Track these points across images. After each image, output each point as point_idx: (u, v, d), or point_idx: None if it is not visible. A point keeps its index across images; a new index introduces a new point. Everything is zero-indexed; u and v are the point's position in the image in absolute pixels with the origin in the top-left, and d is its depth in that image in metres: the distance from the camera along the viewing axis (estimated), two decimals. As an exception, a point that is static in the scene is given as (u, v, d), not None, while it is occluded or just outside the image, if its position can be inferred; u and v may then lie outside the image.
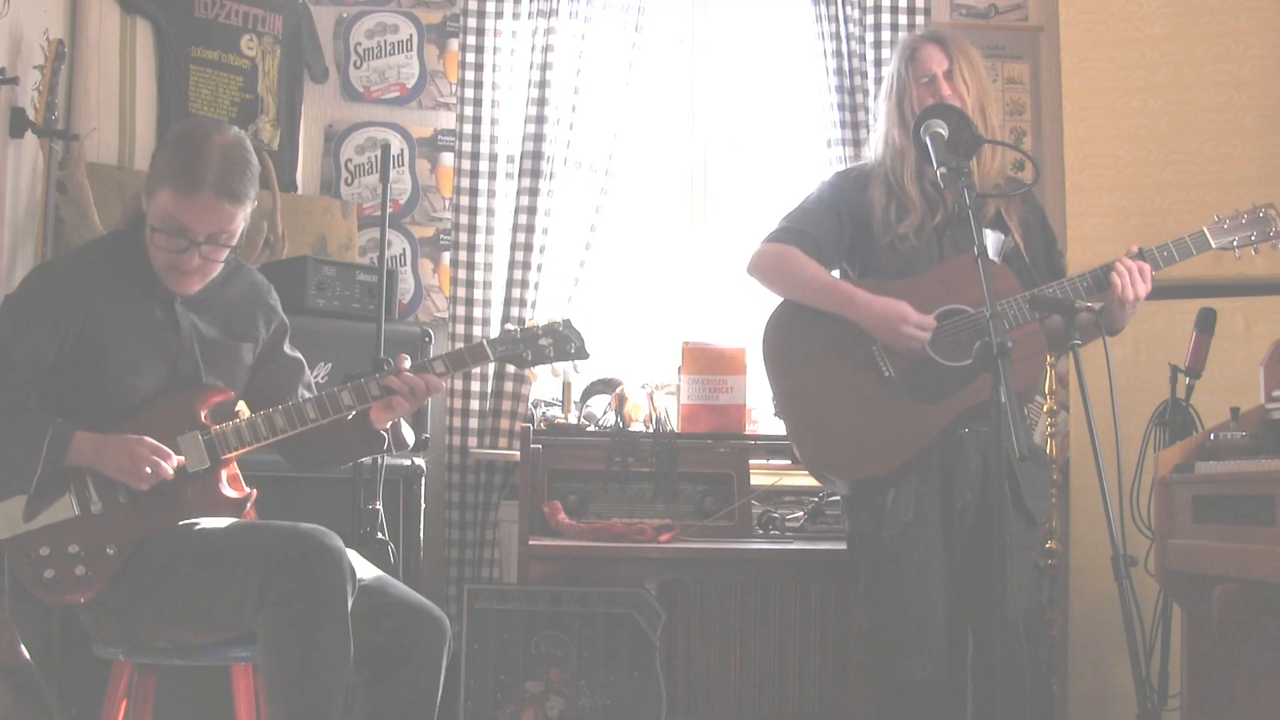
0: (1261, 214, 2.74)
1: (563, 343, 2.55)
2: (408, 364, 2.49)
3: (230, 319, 2.55)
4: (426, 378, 2.47)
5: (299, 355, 2.70)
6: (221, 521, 2.37)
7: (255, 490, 2.49)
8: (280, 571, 2.19)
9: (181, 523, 2.35)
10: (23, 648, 2.41)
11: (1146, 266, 2.67)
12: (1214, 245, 2.72)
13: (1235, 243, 2.73)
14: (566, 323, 2.57)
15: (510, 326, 2.67)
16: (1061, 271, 2.86)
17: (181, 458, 2.35)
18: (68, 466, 2.29)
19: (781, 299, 2.87)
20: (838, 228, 2.86)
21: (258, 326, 2.60)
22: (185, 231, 2.33)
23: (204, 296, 2.49)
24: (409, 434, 2.64)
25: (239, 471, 2.51)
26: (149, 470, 2.29)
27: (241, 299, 2.58)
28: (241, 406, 2.60)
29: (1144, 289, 2.65)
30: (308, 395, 2.60)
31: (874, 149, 2.93)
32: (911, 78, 2.81)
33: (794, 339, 2.82)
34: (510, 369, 3.82)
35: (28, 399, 2.33)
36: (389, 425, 2.54)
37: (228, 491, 2.43)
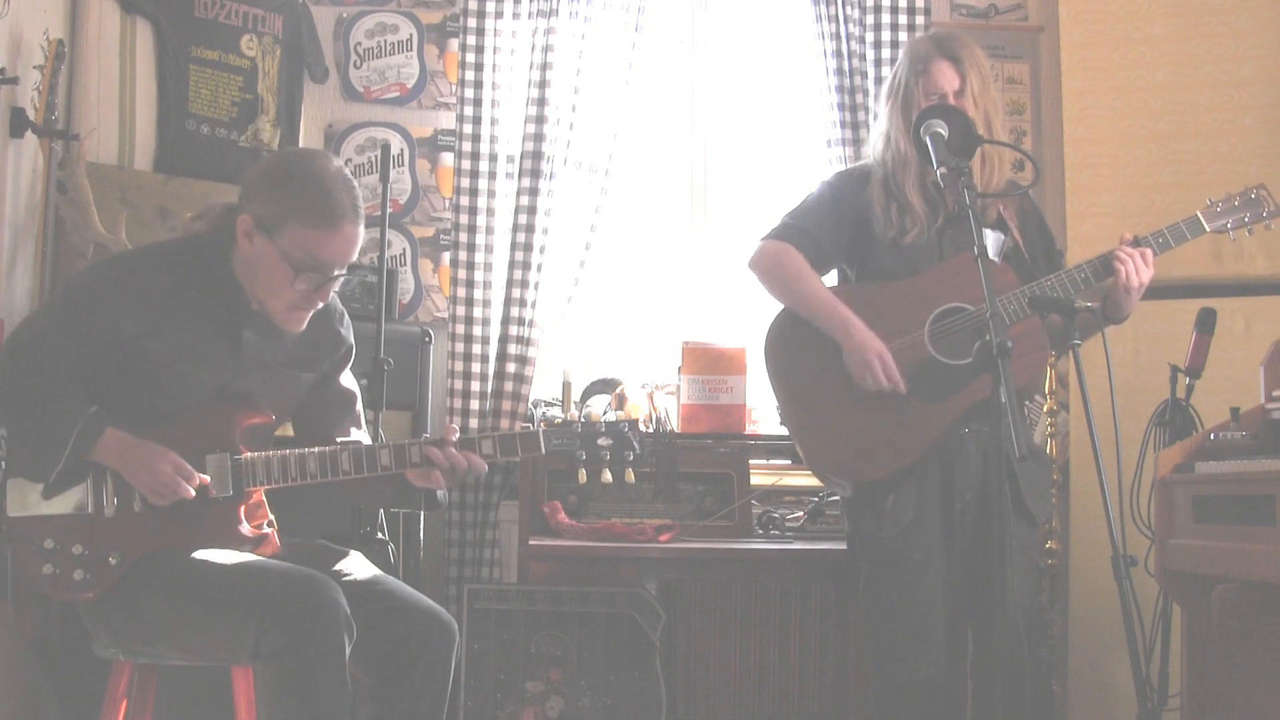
0: (1254, 195, 2.75)
1: (623, 446, 2.44)
2: (455, 438, 2.39)
3: (297, 346, 2.46)
4: (470, 458, 2.38)
5: (354, 388, 2.61)
6: (225, 556, 2.31)
7: (273, 531, 2.43)
8: (275, 625, 2.15)
9: (189, 550, 2.30)
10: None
11: (1148, 251, 2.67)
12: (1208, 229, 2.72)
13: (1229, 225, 2.73)
14: (632, 425, 2.47)
15: (571, 420, 2.52)
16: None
17: (206, 477, 2.30)
18: (92, 461, 2.26)
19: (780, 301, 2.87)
20: (837, 227, 2.86)
21: (323, 355, 2.52)
22: (327, 266, 2.29)
23: (272, 326, 2.39)
24: (443, 496, 2.51)
25: (264, 499, 2.45)
26: (170, 489, 2.25)
27: (313, 326, 2.46)
28: None
29: (1148, 274, 2.66)
30: (354, 431, 2.55)
31: (873, 148, 2.93)
32: (920, 92, 2.77)
33: (796, 345, 2.82)
34: (510, 369, 3.82)
35: (65, 386, 2.27)
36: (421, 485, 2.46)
37: (244, 528, 2.37)
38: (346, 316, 2.58)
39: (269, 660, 2.15)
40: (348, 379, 2.60)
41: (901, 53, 2.92)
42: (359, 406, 2.61)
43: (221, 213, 2.40)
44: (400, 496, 2.49)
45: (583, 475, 2.45)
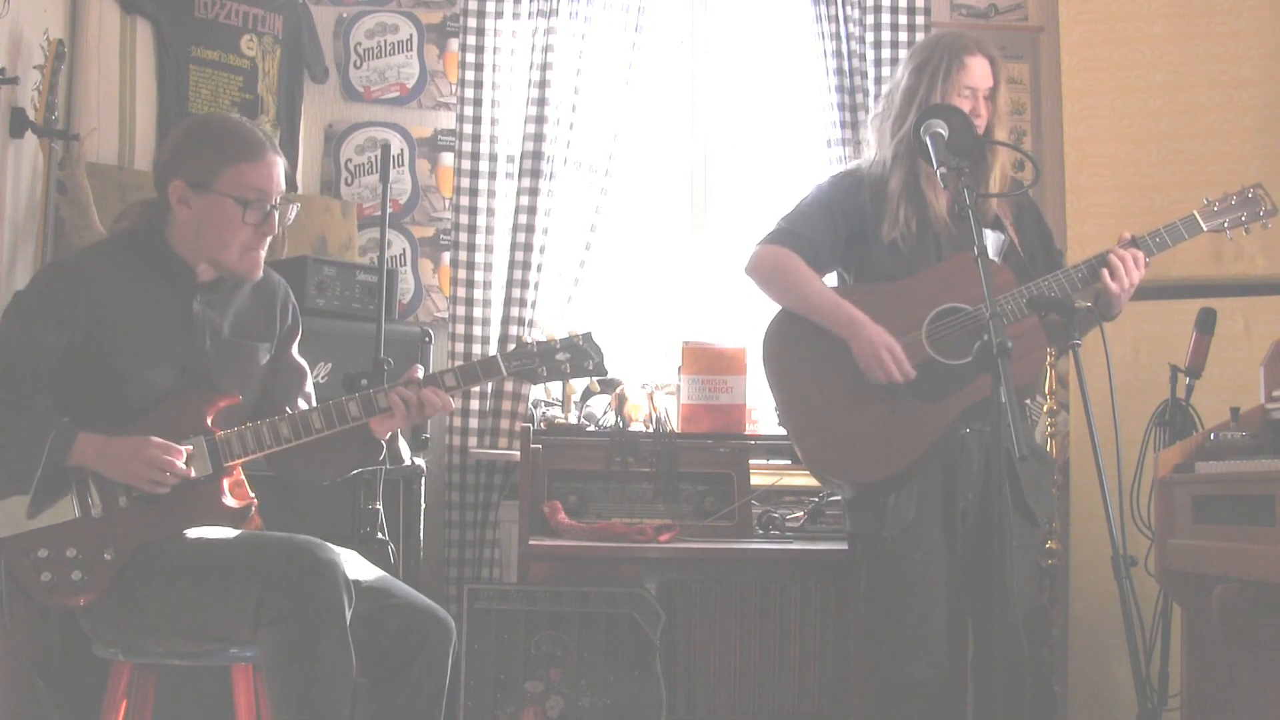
0: (1250, 194, 2.76)
1: (580, 358, 2.51)
2: (420, 374, 2.46)
3: (246, 318, 2.53)
4: (437, 392, 2.44)
5: (303, 363, 2.67)
6: (218, 533, 2.35)
7: (256, 499, 2.46)
8: (275, 589, 2.17)
9: (180, 532, 2.33)
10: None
11: (1140, 254, 2.69)
12: (1205, 228, 2.73)
13: (1226, 224, 2.74)
14: (586, 336, 2.53)
15: (528, 339, 2.62)
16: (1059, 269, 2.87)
17: (190, 446, 2.34)
18: (70, 467, 2.28)
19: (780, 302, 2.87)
20: (833, 231, 2.86)
21: (274, 324, 2.59)
22: (266, 195, 2.39)
23: (220, 297, 2.48)
24: (405, 450, 2.59)
25: (243, 477, 2.49)
26: (166, 474, 2.28)
27: (258, 297, 2.56)
28: None
29: (1138, 276, 2.68)
30: (304, 406, 2.58)
31: (888, 147, 2.88)
32: (956, 81, 2.74)
33: (794, 345, 2.82)
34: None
35: (33, 397, 2.31)
36: (388, 436, 2.51)
37: (229, 501, 2.39)
38: (289, 288, 2.66)
39: (272, 626, 2.17)
40: (297, 353, 2.66)
41: (925, 45, 2.88)
42: (309, 385, 2.66)
43: (142, 205, 2.49)
44: (364, 449, 2.52)
45: (546, 390, 2.50)
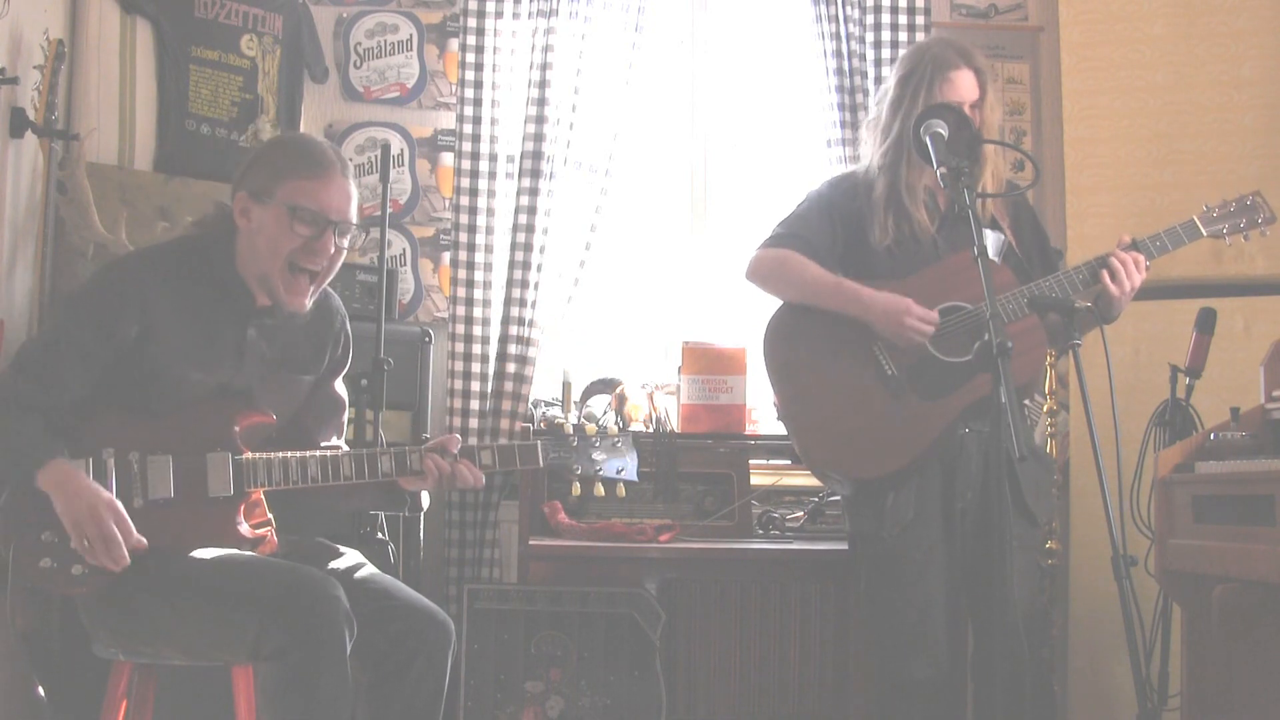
0: (1249, 201, 2.77)
1: (615, 456, 2.51)
2: (457, 448, 2.42)
3: (298, 348, 2.48)
4: (471, 468, 2.41)
5: (343, 394, 2.62)
6: (222, 555, 2.31)
7: (270, 530, 2.43)
8: (275, 624, 2.15)
9: (186, 549, 2.29)
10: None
11: (1141, 257, 2.70)
12: (1205, 233, 2.75)
13: (1225, 230, 2.76)
14: (625, 437, 2.54)
15: (570, 431, 2.56)
16: (1056, 270, 2.87)
17: (144, 541, 2.21)
18: (70, 466, 2.23)
19: (781, 302, 2.87)
20: (831, 233, 2.86)
21: (323, 356, 2.54)
22: (323, 212, 2.33)
23: (276, 323, 2.43)
24: (425, 498, 2.55)
25: (263, 498, 2.45)
26: (104, 539, 2.15)
27: (314, 325, 2.50)
28: None
29: (1139, 279, 2.69)
30: (335, 439, 2.56)
31: (874, 156, 2.90)
32: (940, 96, 2.74)
33: (795, 340, 2.82)
34: (510, 369, 3.82)
35: (51, 400, 2.25)
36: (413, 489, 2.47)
37: (243, 528, 2.36)
38: (348, 321, 2.60)
39: (272, 660, 2.15)
40: (339, 385, 2.61)
41: (911, 54, 2.88)
42: (344, 417, 2.62)
43: (218, 210, 2.43)
44: (387, 499, 2.50)
45: (576, 488, 2.53)
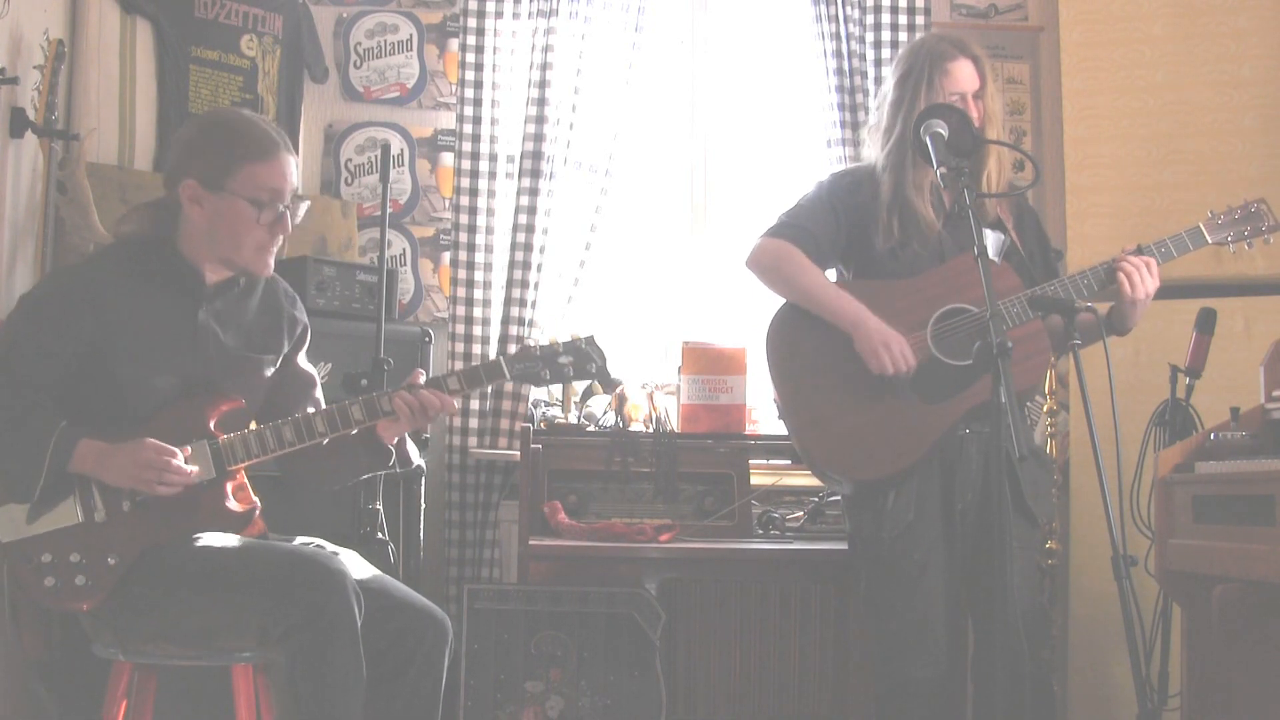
0: (1254, 209, 2.76)
1: (584, 361, 2.50)
2: (422, 380, 2.45)
3: (253, 330, 2.51)
4: (438, 394, 2.42)
5: (312, 371, 2.65)
6: (223, 540, 2.33)
7: (259, 503, 2.44)
8: (282, 604, 2.17)
9: (185, 538, 2.31)
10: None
11: (1153, 261, 2.67)
12: (1210, 240, 2.74)
13: (1230, 238, 2.75)
14: (589, 339, 2.52)
15: (530, 342, 2.61)
16: (1056, 272, 2.87)
17: (189, 448, 2.31)
18: (73, 473, 2.26)
19: (779, 299, 2.86)
20: (835, 226, 2.85)
21: (281, 339, 2.56)
22: (279, 195, 2.37)
23: (227, 306, 2.46)
24: (414, 452, 2.58)
25: (246, 481, 2.47)
26: (166, 475, 2.25)
27: (266, 309, 2.54)
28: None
29: (1153, 285, 2.66)
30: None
31: (877, 153, 2.90)
32: (941, 89, 2.74)
33: (797, 340, 2.81)
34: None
35: (35, 403, 2.28)
36: (395, 440, 2.50)
37: (233, 505, 2.38)
38: (298, 299, 2.63)
39: (282, 641, 2.16)
40: (305, 361, 2.63)
41: (907, 54, 2.87)
42: (318, 392, 2.64)
43: (148, 207, 2.46)
44: (373, 456, 2.51)
45: (565, 400, 2.52)
